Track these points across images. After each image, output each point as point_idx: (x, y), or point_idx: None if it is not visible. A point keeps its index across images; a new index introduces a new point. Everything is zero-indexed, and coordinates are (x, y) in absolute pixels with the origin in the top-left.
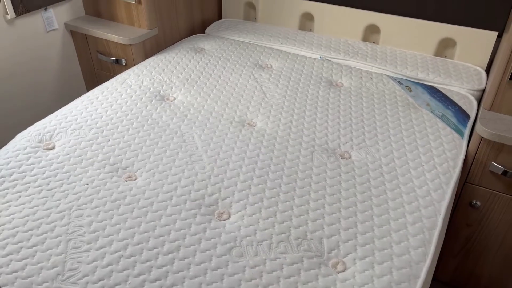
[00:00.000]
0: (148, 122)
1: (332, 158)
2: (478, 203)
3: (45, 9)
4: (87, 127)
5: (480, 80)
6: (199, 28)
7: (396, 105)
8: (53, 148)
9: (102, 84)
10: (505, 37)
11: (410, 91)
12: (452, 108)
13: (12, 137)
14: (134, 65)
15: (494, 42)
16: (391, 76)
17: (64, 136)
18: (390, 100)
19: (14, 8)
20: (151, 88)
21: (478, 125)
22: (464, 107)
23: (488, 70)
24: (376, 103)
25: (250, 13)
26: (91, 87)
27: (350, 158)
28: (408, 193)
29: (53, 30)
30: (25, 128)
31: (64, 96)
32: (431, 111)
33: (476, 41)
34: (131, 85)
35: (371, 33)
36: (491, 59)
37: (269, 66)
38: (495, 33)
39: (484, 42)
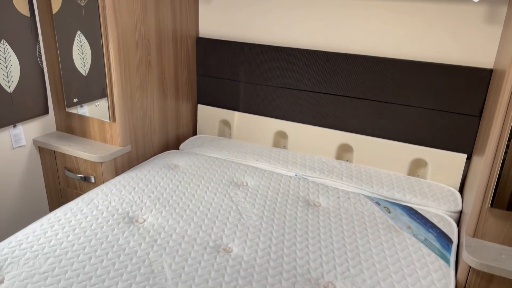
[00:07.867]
0: (114, 249)
1: None
2: None
3: (14, 126)
4: (43, 256)
5: (455, 201)
6: (173, 144)
7: (377, 228)
8: (1, 282)
9: (66, 205)
10: (475, 159)
11: (389, 212)
12: (433, 231)
13: None
14: (103, 182)
15: (464, 164)
16: (368, 196)
17: (16, 268)
18: (370, 223)
19: None
20: (120, 209)
21: (464, 253)
22: (444, 229)
23: (461, 190)
24: (357, 226)
25: (225, 130)
26: (55, 205)
27: None
28: None
29: (20, 146)
30: None
31: (24, 216)
32: (413, 235)
33: (446, 163)
34: (98, 206)
35: (344, 151)
36: (463, 180)
37: (244, 184)
38: (464, 155)
39: (455, 163)
